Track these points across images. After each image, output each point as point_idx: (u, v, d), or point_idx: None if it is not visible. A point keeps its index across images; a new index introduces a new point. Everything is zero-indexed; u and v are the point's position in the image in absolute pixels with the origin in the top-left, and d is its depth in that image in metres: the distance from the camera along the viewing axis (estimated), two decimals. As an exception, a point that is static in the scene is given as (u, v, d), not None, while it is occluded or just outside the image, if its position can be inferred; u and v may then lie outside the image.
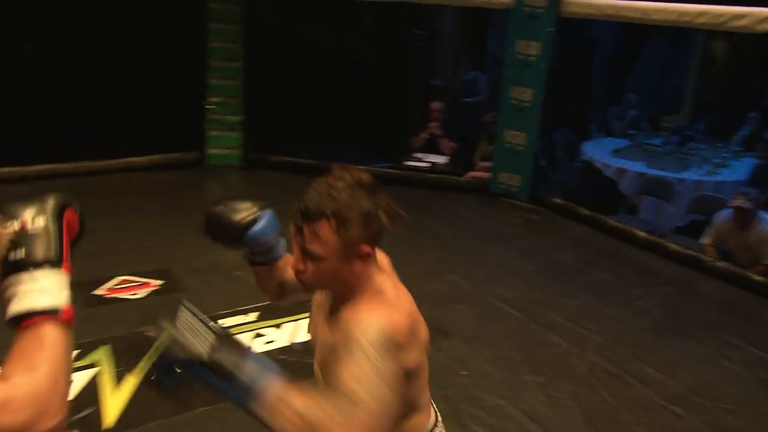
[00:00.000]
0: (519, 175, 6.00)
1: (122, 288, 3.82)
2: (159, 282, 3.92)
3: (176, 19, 6.06)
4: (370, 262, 1.33)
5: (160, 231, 4.77)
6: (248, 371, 1.10)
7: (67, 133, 5.43)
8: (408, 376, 1.30)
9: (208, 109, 6.32)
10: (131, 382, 2.93)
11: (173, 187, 5.89)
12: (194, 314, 1.16)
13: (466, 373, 3.23)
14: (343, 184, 1.25)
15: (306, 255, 1.28)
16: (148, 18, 5.92)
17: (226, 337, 1.14)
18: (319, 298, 1.48)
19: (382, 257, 1.43)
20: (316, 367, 1.46)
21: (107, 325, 3.39)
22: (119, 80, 5.81)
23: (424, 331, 1.38)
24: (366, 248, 1.28)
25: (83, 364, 3.04)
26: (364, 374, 1.14)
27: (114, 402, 2.80)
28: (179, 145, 6.29)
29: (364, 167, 5.32)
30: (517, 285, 4.30)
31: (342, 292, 1.36)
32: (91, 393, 2.85)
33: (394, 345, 1.21)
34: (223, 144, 6.45)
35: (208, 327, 1.15)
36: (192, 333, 1.13)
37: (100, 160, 5.90)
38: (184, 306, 1.18)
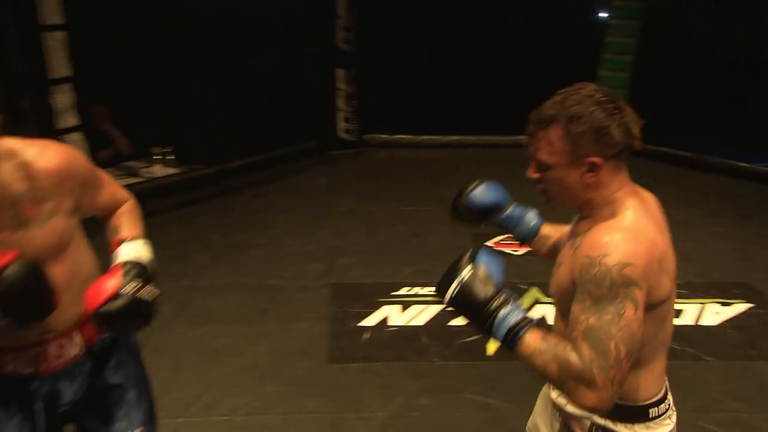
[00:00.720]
0: None
1: (506, 244, 4.14)
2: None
3: (578, 17, 6.08)
4: (603, 177, 1.17)
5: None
6: (505, 315, 1.11)
7: (476, 111, 6.01)
8: (647, 310, 1.12)
9: (593, 98, 6.25)
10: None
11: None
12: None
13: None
14: (578, 96, 1.15)
15: (536, 162, 1.21)
16: (554, 15, 6.08)
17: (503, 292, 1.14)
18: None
19: (648, 196, 1.26)
20: (553, 287, 1.33)
21: (493, 272, 3.74)
22: (521, 69, 6.14)
23: (669, 265, 1.18)
24: (596, 159, 1.14)
25: (475, 299, 3.43)
26: (603, 320, 1.07)
27: (495, 335, 3.12)
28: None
29: (746, 164, 4.59)
30: None
31: (581, 208, 1.24)
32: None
33: (626, 281, 1.07)
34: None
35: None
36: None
37: (496, 135, 6.37)
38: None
